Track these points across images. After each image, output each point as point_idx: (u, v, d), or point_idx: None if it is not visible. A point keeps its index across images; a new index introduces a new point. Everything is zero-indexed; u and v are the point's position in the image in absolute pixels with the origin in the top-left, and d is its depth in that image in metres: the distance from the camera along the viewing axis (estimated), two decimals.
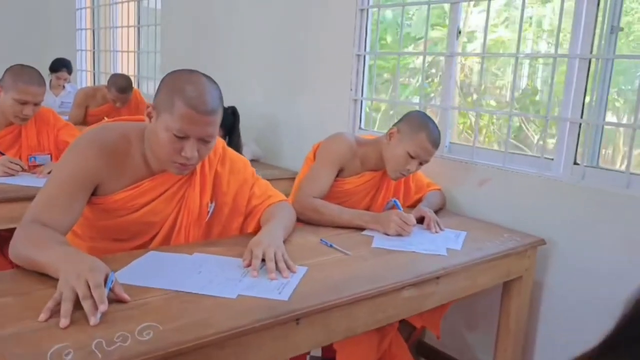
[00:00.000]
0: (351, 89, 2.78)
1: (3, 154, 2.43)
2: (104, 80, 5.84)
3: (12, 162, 2.35)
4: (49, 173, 2.41)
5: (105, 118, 4.12)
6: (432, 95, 3.76)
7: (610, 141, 3.08)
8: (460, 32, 2.35)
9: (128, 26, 5.19)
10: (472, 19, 4.47)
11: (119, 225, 1.56)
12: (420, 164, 2.05)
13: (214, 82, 1.51)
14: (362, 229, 1.89)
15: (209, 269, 1.43)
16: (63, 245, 1.31)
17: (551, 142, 2.35)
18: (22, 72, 2.39)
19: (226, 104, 3.18)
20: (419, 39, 4.87)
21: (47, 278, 1.24)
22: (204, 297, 1.25)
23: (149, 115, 1.45)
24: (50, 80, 5.19)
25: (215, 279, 1.37)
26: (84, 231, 1.62)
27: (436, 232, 1.92)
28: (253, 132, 3.35)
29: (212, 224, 1.69)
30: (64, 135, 2.67)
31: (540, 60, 4.10)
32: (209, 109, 1.41)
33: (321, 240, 1.74)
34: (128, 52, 5.26)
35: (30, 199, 2.13)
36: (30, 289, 1.22)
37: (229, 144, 3.01)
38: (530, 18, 4.16)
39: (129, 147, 1.51)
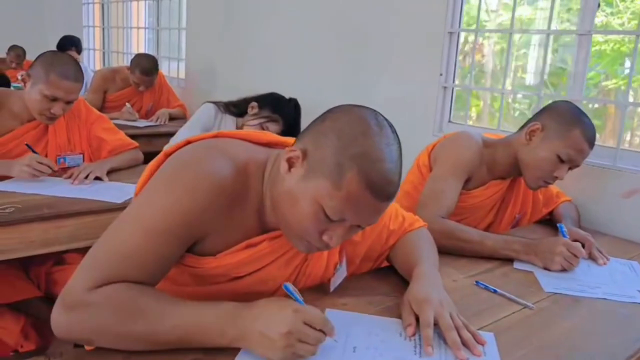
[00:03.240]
0: (441, 74, 2.33)
1: (34, 151, 1.96)
2: (115, 61, 5.34)
3: (40, 163, 1.88)
4: (86, 178, 1.96)
5: (127, 104, 3.65)
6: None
7: None
8: (599, 5, 1.89)
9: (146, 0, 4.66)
10: None
11: (210, 294, 1.06)
12: (570, 169, 1.62)
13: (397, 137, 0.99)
14: (509, 259, 1.47)
15: (361, 340, 1.00)
16: (194, 302, 0.90)
17: None
18: (57, 62, 1.92)
19: (272, 91, 2.73)
20: None
21: None
22: None
23: (291, 163, 0.96)
24: None
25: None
26: None
27: (604, 263, 1.50)
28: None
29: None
30: (97, 129, 2.21)
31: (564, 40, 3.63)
32: (392, 192, 0.94)
33: (477, 282, 1.31)
34: (145, 28, 4.73)
35: (67, 216, 1.71)
36: None
37: None
38: None
39: (246, 188, 1.02)
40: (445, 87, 2.35)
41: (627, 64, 4.26)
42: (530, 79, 4.09)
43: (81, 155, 2.16)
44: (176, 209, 0.93)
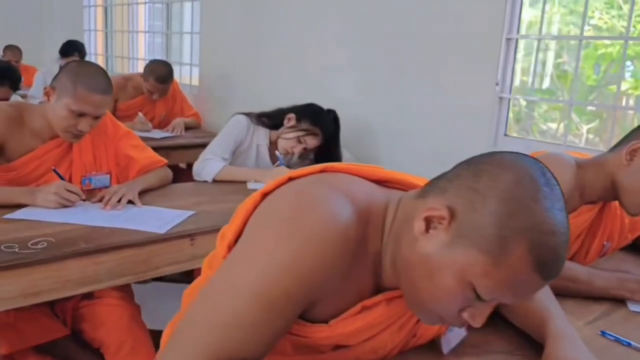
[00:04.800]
0: (497, 84, 2.15)
1: (62, 177, 1.76)
2: (120, 66, 5.12)
3: (69, 191, 1.68)
4: (118, 201, 1.75)
5: (139, 114, 3.44)
6: None
7: None
8: None
9: (154, 2, 4.45)
10: None
11: None
12: None
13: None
14: (619, 299, 1.29)
15: None
16: None
17: None
18: (85, 73, 1.73)
19: (300, 102, 2.53)
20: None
21: None
22: None
23: (430, 222, 0.77)
24: (60, 66, 4.46)
25: None
26: None
27: None
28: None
29: None
30: (125, 147, 2.01)
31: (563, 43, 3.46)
32: (560, 269, 0.77)
33: (602, 332, 1.12)
34: (154, 32, 4.52)
35: (106, 250, 1.50)
36: None
37: (328, 156, 2.38)
38: None
39: (366, 238, 0.82)
40: (501, 98, 2.17)
41: (630, 66, 4.12)
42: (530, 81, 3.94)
43: (108, 176, 1.95)
44: (296, 267, 0.74)
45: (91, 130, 1.83)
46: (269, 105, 3.07)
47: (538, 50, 2.43)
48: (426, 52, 2.38)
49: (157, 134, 3.29)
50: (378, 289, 0.88)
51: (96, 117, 1.78)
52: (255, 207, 0.86)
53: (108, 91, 1.78)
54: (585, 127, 4.86)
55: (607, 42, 3.86)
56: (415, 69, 2.43)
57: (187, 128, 3.52)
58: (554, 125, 3.93)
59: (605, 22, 3.88)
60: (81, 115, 1.73)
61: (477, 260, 0.72)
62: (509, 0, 2.08)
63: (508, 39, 2.12)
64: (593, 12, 4.18)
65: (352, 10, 2.71)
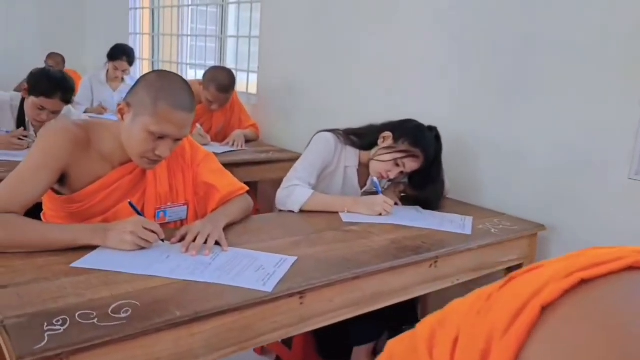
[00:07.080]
0: None
1: (139, 212, 1.47)
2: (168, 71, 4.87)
3: (147, 229, 1.37)
4: (205, 241, 1.44)
5: (197, 125, 3.15)
6: None
7: None
8: None
9: (207, 5, 4.17)
10: None
11: None
12: None
13: None
14: None
15: None
16: None
17: None
18: (166, 87, 1.43)
19: (378, 116, 2.20)
20: None
21: None
22: None
23: None
24: (107, 70, 4.24)
25: None
26: None
27: None
28: None
29: None
30: (205, 173, 1.70)
31: None
32: None
33: None
34: (206, 36, 4.24)
35: (204, 317, 1.17)
36: None
37: (426, 180, 2.04)
38: None
39: None
40: None
41: None
42: None
43: (185, 207, 1.66)
44: None
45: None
46: (339, 117, 2.75)
47: None
48: (548, 59, 2.00)
49: (217, 147, 2.99)
50: None
51: (177, 140, 1.48)
52: (531, 328, 0.52)
53: (193, 108, 1.48)
54: None
55: None
56: (536, 79, 2.05)
57: (246, 141, 3.23)
58: None
59: None
60: (161, 137, 1.43)
61: None
62: None
63: None
64: None
65: (451, 16, 2.35)
